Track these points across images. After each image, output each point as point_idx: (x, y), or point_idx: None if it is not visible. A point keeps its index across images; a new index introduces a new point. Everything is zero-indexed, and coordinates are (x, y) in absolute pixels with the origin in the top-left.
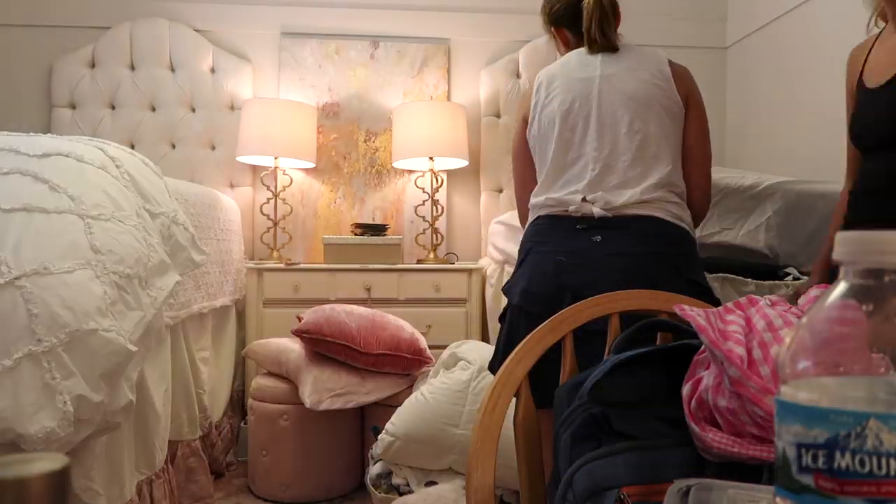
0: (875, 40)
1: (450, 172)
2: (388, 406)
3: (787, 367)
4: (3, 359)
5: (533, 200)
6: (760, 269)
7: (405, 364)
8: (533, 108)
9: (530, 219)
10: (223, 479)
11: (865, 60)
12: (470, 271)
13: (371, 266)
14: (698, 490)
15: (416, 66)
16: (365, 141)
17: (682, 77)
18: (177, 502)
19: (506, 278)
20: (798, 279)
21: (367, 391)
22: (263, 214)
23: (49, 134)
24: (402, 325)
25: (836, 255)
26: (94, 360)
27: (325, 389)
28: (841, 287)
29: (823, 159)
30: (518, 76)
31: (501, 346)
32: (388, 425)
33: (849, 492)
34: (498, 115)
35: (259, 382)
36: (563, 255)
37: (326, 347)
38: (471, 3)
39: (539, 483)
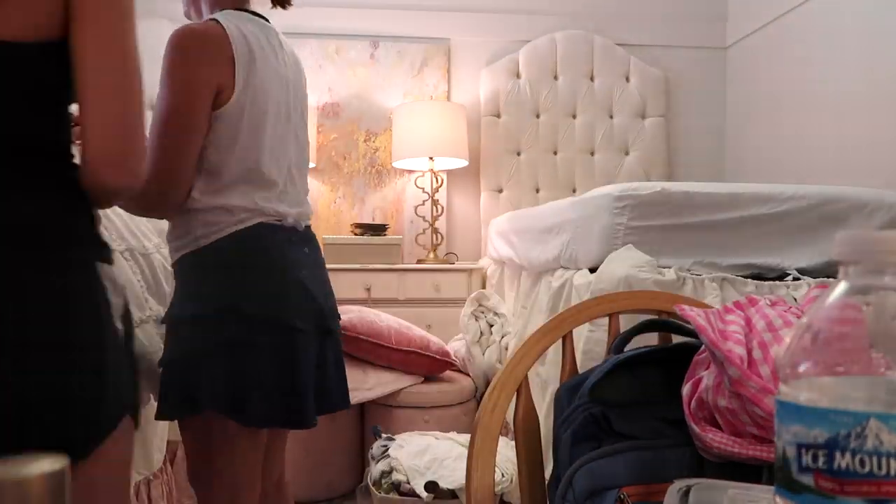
0: None
1: (450, 172)
2: (388, 406)
3: (787, 367)
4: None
5: None
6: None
7: (432, 365)
8: None
9: None
10: None
11: None
12: (470, 271)
13: (371, 266)
14: (698, 490)
15: (416, 66)
16: (365, 141)
17: None
18: (175, 502)
19: (506, 278)
20: (798, 279)
21: (370, 387)
22: None
23: None
24: (425, 333)
25: (836, 254)
26: None
27: None
28: (841, 287)
29: (823, 159)
30: (518, 76)
31: None
32: None
33: (849, 492)
34: (498, 115)
35: None
36: None
37: (356, 346)
38: (471, 3)
39: (539, 483)
